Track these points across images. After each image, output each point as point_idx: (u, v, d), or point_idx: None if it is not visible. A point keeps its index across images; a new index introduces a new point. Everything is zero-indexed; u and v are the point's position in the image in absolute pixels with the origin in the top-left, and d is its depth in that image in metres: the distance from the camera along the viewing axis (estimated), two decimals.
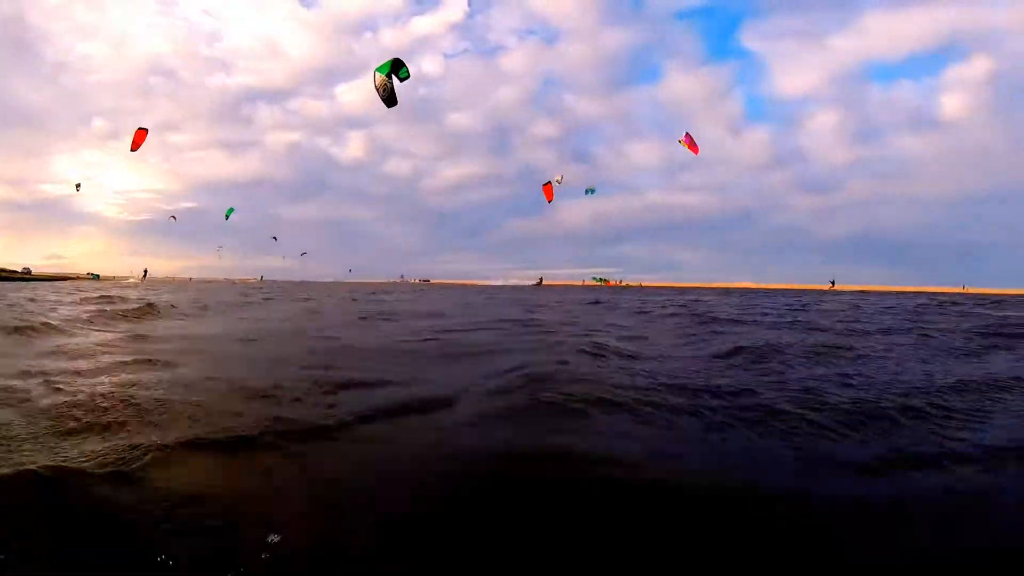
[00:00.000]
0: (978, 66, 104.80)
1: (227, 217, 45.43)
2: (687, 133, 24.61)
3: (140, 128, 25.35)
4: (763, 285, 72.66)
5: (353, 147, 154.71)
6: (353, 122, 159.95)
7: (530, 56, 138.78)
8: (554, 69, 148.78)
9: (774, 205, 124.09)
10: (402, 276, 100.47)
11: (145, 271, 64.49)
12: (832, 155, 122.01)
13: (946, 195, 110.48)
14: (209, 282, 63.95)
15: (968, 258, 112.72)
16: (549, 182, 27.98)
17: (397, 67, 9.71)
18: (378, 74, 9.59)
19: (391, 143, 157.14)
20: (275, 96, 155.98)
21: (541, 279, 77.86)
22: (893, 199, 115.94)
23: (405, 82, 9.72)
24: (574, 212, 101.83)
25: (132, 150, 25.03)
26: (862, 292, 51.90)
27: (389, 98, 9.67)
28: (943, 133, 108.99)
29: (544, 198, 28.57)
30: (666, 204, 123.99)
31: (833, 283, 59.06)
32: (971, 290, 60.04)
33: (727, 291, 47.85)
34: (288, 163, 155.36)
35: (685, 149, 24.32)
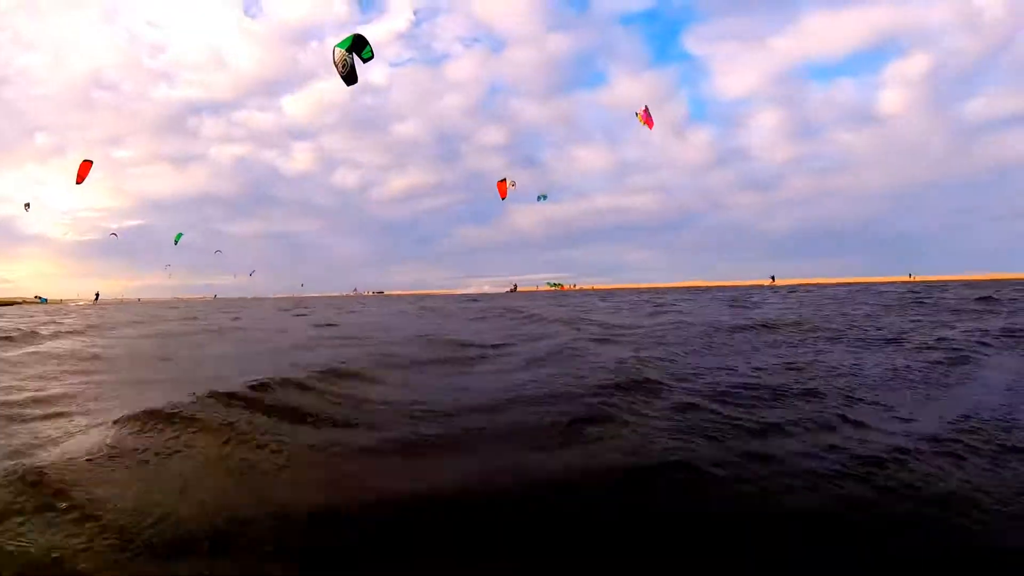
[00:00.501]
0: (916, 62, 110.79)
1: (176, 242, 44.94)
2: (645, 107, 24.85)
3: (85, 160, 25.82)
4: (710, 283, 74.35)
5: (300, 159, 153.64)
6: (299, 133, 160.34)
7: (476, 64, 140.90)
8: (500, 76, 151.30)
9: (719, 204, 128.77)
10: (355, 289, 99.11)
11: (97, 294, 62.25)
12: (773, 153, 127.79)
13: (886, 188, 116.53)
14: (162, 302, 61.13)
15: (911, 247, 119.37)
16: (504, 179, 28.20)
17: (359, 45, 9.59)
18: (338, 49, 9.45)
19: (337, 154, 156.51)
20: (220, 108, 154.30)
21: (515, 286, 76.25)
22: (834, 193, 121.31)
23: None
24: (525, 218, 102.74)
25: (77, 183, 25.44)
26: (803, 284, 54.66)
27: (349, 75, 9.44)
28: (882, 128, 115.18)
29: (498, 196, 28.50)
30: (615, 207, 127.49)
31: (773, 278, 61.84)
32: (918, 278, 62.75)
33: (671, 290, 49.86)
34: (234, 177, 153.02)
35: (640, 124, 24.67)
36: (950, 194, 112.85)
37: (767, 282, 61.72)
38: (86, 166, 25.89)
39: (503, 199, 28.34)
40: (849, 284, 50.38)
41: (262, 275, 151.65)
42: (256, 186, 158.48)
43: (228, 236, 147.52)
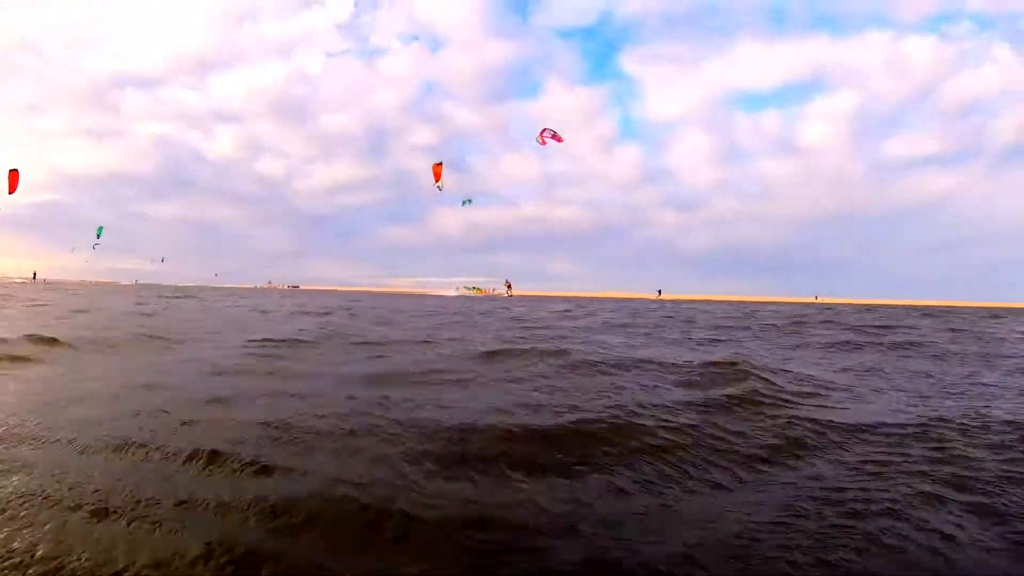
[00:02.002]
0: (841, 99, 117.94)
1: (98, 236, 41.66)
2: (543, 130, 25.60)
3: (12, 169, 27.05)
4: (628, 295, 73.40)
5: (223, 143, 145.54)
6: (225, 116, 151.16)
7: (412, 61, 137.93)
8: (435, 76, 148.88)
9: (643, 220, 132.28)
10: (270, 281, 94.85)
11: (34, 273, 55.72)
12: (698, 175, 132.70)
13: (803, 214, 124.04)
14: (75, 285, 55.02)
15: (825, 272, 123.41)
16: (440, 163, 27.76)
17: None
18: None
19: (263, 140, 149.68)
20: (146, 83, 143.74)
21: (509, 284, 62.63)
22: (754, 217, 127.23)
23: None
24: (449, 221, 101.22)
25: (9, 192, 26.41)
26: (688, 300, 56.51)
27: None
28: (804, 159, 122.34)
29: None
30: (541, 217, 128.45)
31: (660, 292, 63.05)
32: (822, 300, 62.90)
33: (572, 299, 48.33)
34: (155, 157, 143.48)
35: (552, 143, 25.72)
36: (865, 226, 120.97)
37: (654, 296, 62.36)
38: (14, 175, 26.55)
39: (437, 182, 27.90)
40: (738, 302, 49.84)
41: (177, 262, 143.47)
42: (176, 168, 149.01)
43: (144, 218, 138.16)
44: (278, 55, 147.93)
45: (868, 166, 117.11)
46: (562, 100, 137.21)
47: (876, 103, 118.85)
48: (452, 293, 72.79)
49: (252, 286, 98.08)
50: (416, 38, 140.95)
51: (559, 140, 25.87)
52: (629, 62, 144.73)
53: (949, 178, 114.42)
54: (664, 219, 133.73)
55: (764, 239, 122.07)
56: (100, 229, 44.49)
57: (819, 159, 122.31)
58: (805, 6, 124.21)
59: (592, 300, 47.71)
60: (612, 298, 60.28)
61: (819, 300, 62.86)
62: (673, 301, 48.29)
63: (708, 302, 47.42)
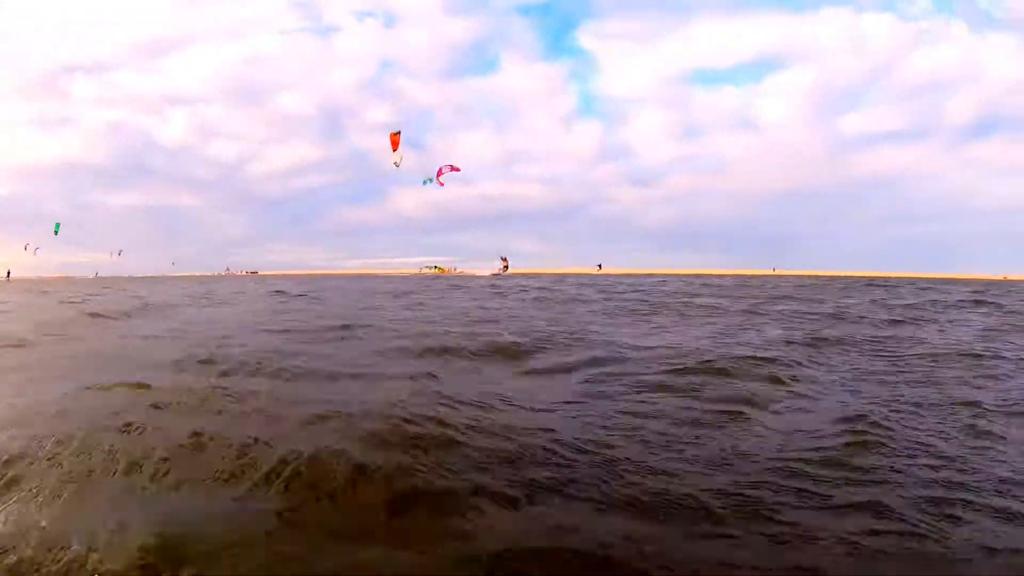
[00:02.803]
0: (800, 76, 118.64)
1: (56, 232, 40.45)
2: (439, 171, 27.44)
3: None
4: (585, 271, 73.94)
5: (177, 128, 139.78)
6: (178, 100, 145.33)
7: (368, 38, 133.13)
8: (392, 54, 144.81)
9: (603, 196, 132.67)
10: (228, 268, 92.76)
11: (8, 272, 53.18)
12: (657, 151, 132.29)
13: (763, 190, 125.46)
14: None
15: (785, 246, 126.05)
16: (398, 132, 26.93)
17: None
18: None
19: (217, 123, 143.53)
20: (96, 68, 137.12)
21: (506, 261, 56.75)
22: (712, 192, 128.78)
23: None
24: (408, 201, 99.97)
25: None
26: (628, 275, 56.47)
27: None
28: (760, 135, 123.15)
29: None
30: (501, 194, 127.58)
31: (600, 266, 64.32)
32: (780, 272, 63.84)
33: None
34: (108, 144, 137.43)
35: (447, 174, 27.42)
36: (824, 200, 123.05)
37: (596, 270, 63.00)
38: None
39: (394, 152, 27.14)
40: (693, 275, 50.42)
41: (135, 252, 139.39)
42: (130, 155, 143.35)
43: (100, 208, 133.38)
44: (231, 35, 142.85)
45: (826, 142, 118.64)
46: (520, 76, 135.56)
47: (834, 80, 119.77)
48: (420, 272, 72.58)
49: (210, 273, 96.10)
50: (371, 14, 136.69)
51: (456, 170, 27.33)
52: (587, 38, 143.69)
53: (906, 154, 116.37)
54: (624, 195, 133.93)
55: (724, 213, 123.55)
56: (58, 225, 43.68)
57: (778, 135, 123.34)
58: None
59: (560, 277, 47.94)
60: (573, 274, 60.55)
61: (777, 272, 63.97)
62: (616, 275, 49.20)
63: (652, 276, 48.20)
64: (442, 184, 27.54)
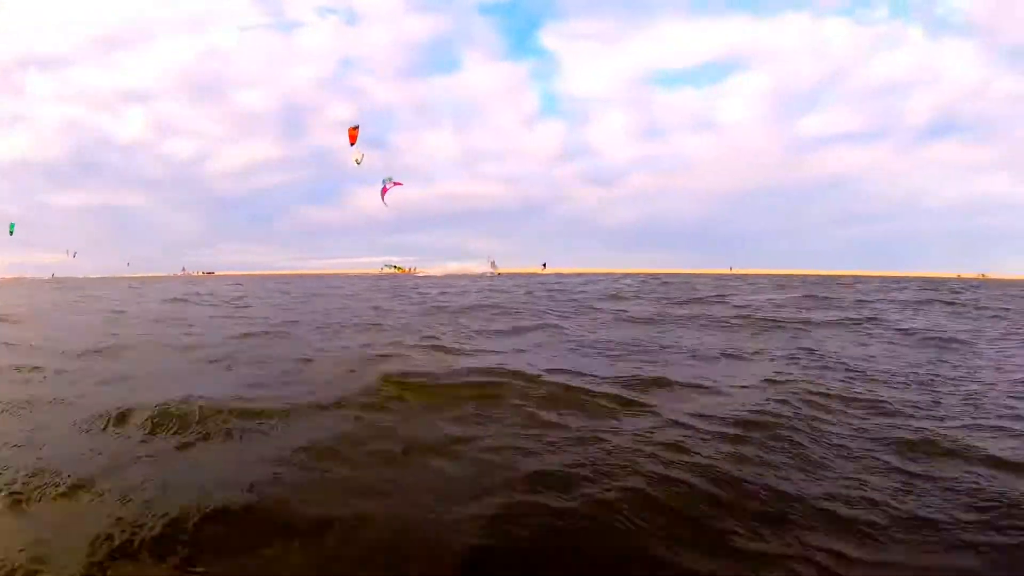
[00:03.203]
0: (760, 78, 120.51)
1: (11, 232, 41.24)
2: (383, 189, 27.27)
3: None
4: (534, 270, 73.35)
5: (133, 124, 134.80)
6: (134, 96, 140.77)
7: (329, 35, 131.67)
8: (353, 51, 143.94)
9: (565, 195, 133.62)
10: (184, 268, 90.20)
11: None
12: (619, 150, 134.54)
13: (723, 190, 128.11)
14: None
15: (737, 244, 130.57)
16: (356, 127, 26.34)
17: None
18: None
19: (174, 120, 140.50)
20: (52, 63, 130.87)
21: (494, 263, 54.53)
22: (673, 192, 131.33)
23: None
24: (369, 200, 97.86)
25: None
26: (581, 274, 58.30)
27: None
28: (720, 135, 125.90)
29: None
30: (463, 194, 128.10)
31: (544, 265, 64.64)
32: (737, 271, 63.61)
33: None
34: (62, 142, 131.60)
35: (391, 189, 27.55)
36: (781, 199, 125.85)
37: (540, 269, 63.83)
38: None
39: (352, 144, 26.46)
40: (648, 274, 49.59)
41: (90, 252, 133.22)
42: (85, 153, 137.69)
43: (55, 207, 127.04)
44: (190, 29, 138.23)
45: (785, 142, 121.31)
46: (483, 76, 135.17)
47: (793, 82, 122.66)
48: (381, 272, 70.25)
49: (165, 274, 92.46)
50: (333, 11, 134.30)
51: (399, 184, 27.61)
52: (550, 38, 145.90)
53: (862, 155, 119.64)
54: (585, 194, 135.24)
55: (683, 213, 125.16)
56: (12, 226, 42.79)
57: (737, 135, 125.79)
58: None
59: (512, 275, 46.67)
60: (524, 273, 59.19)
61: (734, 271, 63.85)
62: (568, 274, 48.17)
63: (594, 275, 47.28)
64: (386, 204, 27.58)
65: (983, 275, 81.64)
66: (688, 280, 31.91)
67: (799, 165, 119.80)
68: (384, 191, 27.14)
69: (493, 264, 54.05)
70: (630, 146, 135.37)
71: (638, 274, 51.45)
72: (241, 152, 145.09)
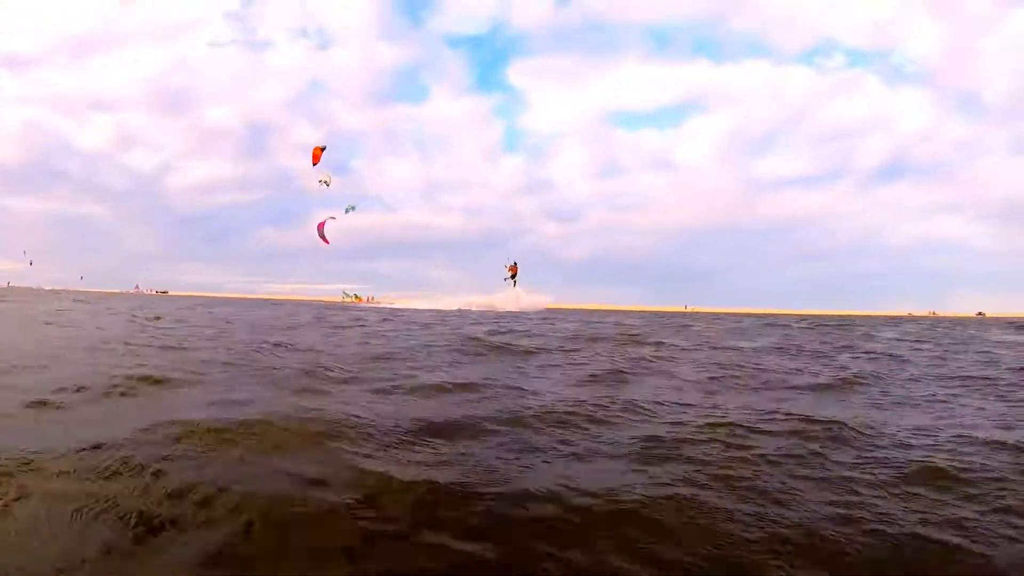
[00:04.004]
0: (717, 121, 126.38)
1: None
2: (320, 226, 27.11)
3: None
4: None
5: (96, 132, 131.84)
6: (101, 104, 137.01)
7: (299, 57, 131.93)
8: (322, 74, 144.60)
9: (525, 229, 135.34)
10: (137, 286, 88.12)
11: None
12: (579, 187, 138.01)
13: (678, 228, 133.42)
14: None
15: (693, 282, 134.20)
16: (323, 147, 25.91)
17: None
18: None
19: (138, 131, 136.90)
20: (17, 62, 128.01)
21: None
22: (630, 228, 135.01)
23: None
24: (329, 225, 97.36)
25: None
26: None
27: None
28: (679, 175, 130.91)
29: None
30: (423, 224, 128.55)
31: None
32: (692, 309, 64.24)
33: None
34: (22, 145, 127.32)
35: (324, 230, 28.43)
36: (737, 239, 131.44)
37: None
38: None
39: (315, 165, 26.10)
40: (601, 311, 49.50)
41: (45, 262, 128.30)
42: (45, 158, 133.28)
43: (8, 213, 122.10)
44: (162, 40, 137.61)
45: (741, 183, 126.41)
46: (449, 107, 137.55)
47: (752, 125, 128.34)
48: (342, 300, 68.81)
49: (118, 291, 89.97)
50: (305, 34, 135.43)
51: (334, 218, 28.38)
52: (516, 74, 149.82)
53: (817, 196, 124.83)
54: (545, 228, 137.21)
55: (641, 250, 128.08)
56: None
57: (695, 175, 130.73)
58: (689, 32, 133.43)
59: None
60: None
61: (689, 309, 64.44)
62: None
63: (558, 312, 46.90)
64: (326, 241, 27.77)
65: (933, 312, 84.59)
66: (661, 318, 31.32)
67: (755, 206, 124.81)
68: (321, 226, 27.50)
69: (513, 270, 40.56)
70: (590, 183, 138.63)
71: (596, 310, 51.28)
72: (204, 168, 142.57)
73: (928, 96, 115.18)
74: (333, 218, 26.78)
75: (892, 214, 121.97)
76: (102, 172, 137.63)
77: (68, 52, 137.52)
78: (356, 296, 74.49)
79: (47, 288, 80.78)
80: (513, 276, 42.69)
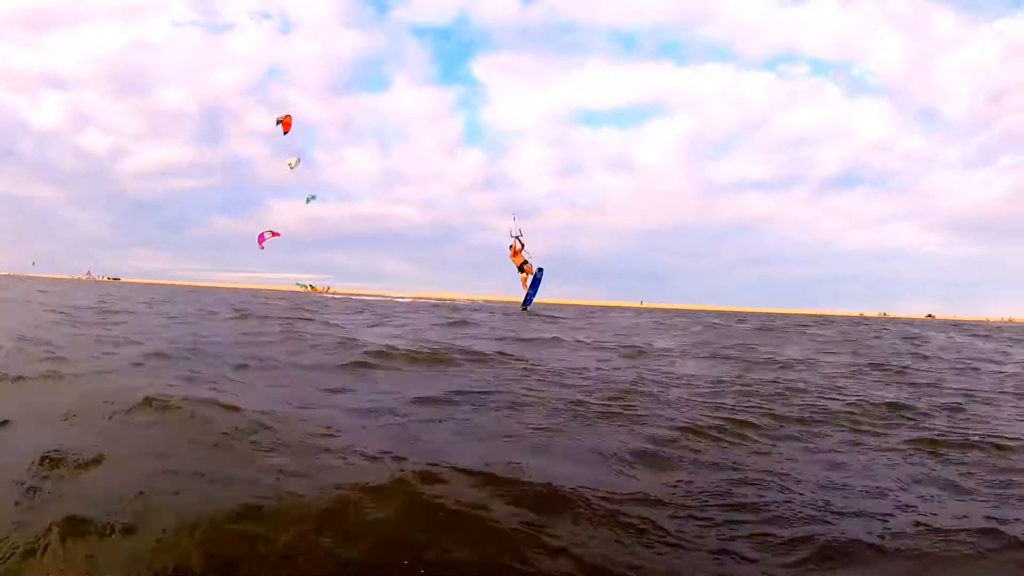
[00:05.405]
0: (677, 124, 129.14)
1: None
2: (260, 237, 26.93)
3: None
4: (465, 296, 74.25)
5: (49, 111, 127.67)
6: (55, 81, 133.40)
7: (260, 41, 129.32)
8: (282, 61, 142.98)
9: (481, 224, 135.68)
10: (88, 272, 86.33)
11: None
12: (538, 184, 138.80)
13: (635, 227, 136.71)
14: None
15: (651, 279, 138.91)
16: (288, 116, 24.86)
17: None
18: None
19: (92, 112, 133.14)
20: None
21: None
22: (589, 228, 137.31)
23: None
24: (284, 215, 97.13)
25: None
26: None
27: None
28: (638, 175, 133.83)
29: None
30: (380, 215, 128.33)
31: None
32: (647, 305, 65.97)
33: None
34: None
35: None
36: (693, 239, 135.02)
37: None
38: None
39: (285, 133, 25.03)
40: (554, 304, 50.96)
41: None
42: None
43: None
44: (122, 18, 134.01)
45: (699, 186, 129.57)
46: (410, 98, 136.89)
47: (710, 129, 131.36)
48: (297, 289, 68.28)
49: (69, 277, 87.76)
50: (267, 16, 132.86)
51: (277, 235, 27.38)
52: (480, 68, 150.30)
53: (773, 201, 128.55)
54: (502, 224, 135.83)
55: (598, 248, 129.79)
56: None
57: (654, 176, 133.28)
58: (654, 35, 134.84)
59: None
60: (428, 298, 59.53)
61: (644, 305, 66.36)
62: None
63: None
64: (263, 247, 26.98)
65: (884, 314, 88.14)
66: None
67: (712, 208, 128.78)
68: (261, 239, 26.68)
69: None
70: (550, 180, 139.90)
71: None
72: (157, 152, 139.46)
73: (887, 108, 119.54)
74: (278, 234, 26.92)
75: (845, 220, 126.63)
76: (54, 153, 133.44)
77: (22, 25, 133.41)
78: (311, 286, 73.88)
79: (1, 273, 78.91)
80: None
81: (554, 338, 11.15)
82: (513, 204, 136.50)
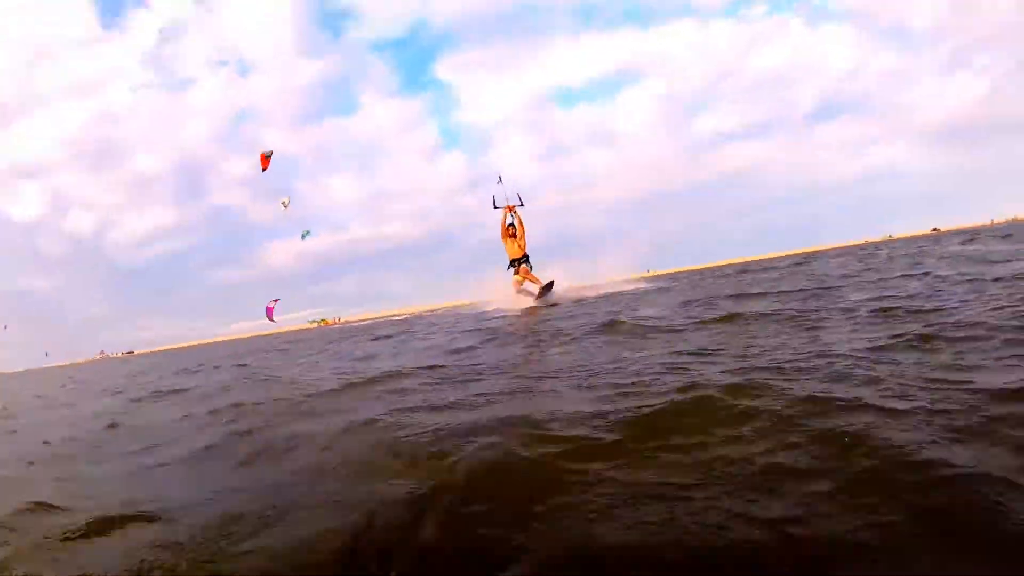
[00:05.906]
0: (651, 87, 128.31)
1: None
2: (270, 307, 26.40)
3: None
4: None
5: (29, 201, 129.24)
6: (27, 171, 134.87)
7: (222, 89, 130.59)
8: (248, 102, 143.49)
9: (474, 223, 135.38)
10: (102, 351, 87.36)
11: None
12: (525, 172, 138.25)
13: (628, 198, 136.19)
14: None
15: (651, 248, 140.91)
16: (270, 152, 24.57)
17: None
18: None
19: (70, 191, 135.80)
20: None
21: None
22: (583, 206, 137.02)
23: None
24: (279, 254, 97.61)
25: None
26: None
27: None
28: (622, 145, 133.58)
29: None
30: (370, 236, 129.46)
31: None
32: (654, 272, 65.53)
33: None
34: None
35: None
36: (687, 199, 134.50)
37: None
38: None
39: (264, 170, 24.61)
40: None
41: (2, 346, 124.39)
42: None
43: None
44: (79, 95, 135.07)
45: (683, 145, 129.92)
46: (380, 113, 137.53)
47: (684, 86, 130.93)
48: (311, 326, 68.70)
49: (82, 360, 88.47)
50: (224, 63, 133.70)
51: (277, 300, 27.46)
52: (445, 70, 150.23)
53: (758, 147, 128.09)
54: (496, 219, 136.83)
55: (594, 224, 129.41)
56: None
57: (638, 144, 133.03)
58: (613, 2, 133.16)
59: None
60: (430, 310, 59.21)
61: (651, 273, 65.80)
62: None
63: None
64: (272, 319, 27.07)
65: (890, 236, 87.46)
66: None
67: (700, 165, 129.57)
68: (270, 311, 26.61)
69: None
70: (536, 166, 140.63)
71: None
72: (142, 219, 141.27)
73: (853, 32, 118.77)
74: (276, 300, 27.29)
75: (833, 152, 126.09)
76: (41, 242, 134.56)
77: None
78: (323, 320, 74.64)
79: (10, 371, 79.40)
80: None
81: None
82: (502, 196, 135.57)
